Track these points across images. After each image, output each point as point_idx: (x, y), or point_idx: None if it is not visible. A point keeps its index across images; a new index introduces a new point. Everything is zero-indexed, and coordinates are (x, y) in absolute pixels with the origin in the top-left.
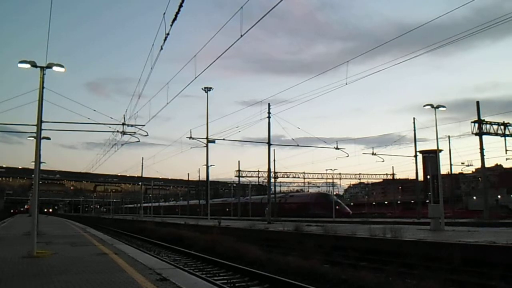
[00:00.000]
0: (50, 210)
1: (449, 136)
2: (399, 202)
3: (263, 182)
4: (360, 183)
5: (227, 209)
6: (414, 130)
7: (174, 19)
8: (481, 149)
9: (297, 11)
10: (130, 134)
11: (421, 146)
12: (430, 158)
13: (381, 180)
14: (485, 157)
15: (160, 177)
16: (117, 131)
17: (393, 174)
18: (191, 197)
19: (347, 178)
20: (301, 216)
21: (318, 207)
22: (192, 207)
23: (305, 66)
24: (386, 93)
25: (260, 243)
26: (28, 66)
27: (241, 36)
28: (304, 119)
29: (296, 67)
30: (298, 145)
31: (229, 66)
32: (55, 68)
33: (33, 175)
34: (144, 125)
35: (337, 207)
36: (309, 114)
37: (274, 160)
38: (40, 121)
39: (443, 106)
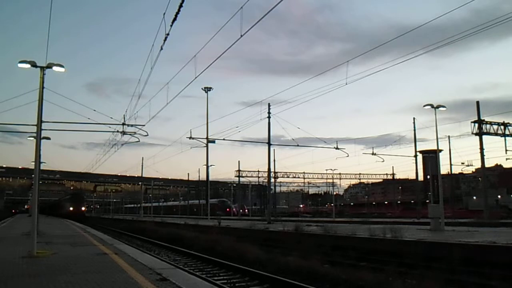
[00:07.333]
0: (83, 209)
1: (449, 136)
2: (399, 202)
3: (263, 182)
4: (360, 183)
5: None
6: (414, 130)
7: (174, 19)
8: (481, 149)
9: (296, 12)
10: (130, 134)
11: (421, 146)
12: (430, 158)
13: (381, 180)
14: (485, 157)
15: (160, 177)
16: (117, 131)
17: (393, 174)
18: (191, 197)
19: (347, 178)
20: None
21: (219, 209)
22: (192, 207)
23: (304, 67)
24: (386, 93)
25: (260, 243)
26: (28, 66)
27: (241, 36)
28: (304, 119)
29: (296, 68)
30: (298, 145)
31: (229, 66)
32: (55, 68)
33: (33, 175)
34: (144, 125)
35: (227, 209)
36: (309, 114)
37: (274, 160)
38: (40, 121)
39: (443, 106)
